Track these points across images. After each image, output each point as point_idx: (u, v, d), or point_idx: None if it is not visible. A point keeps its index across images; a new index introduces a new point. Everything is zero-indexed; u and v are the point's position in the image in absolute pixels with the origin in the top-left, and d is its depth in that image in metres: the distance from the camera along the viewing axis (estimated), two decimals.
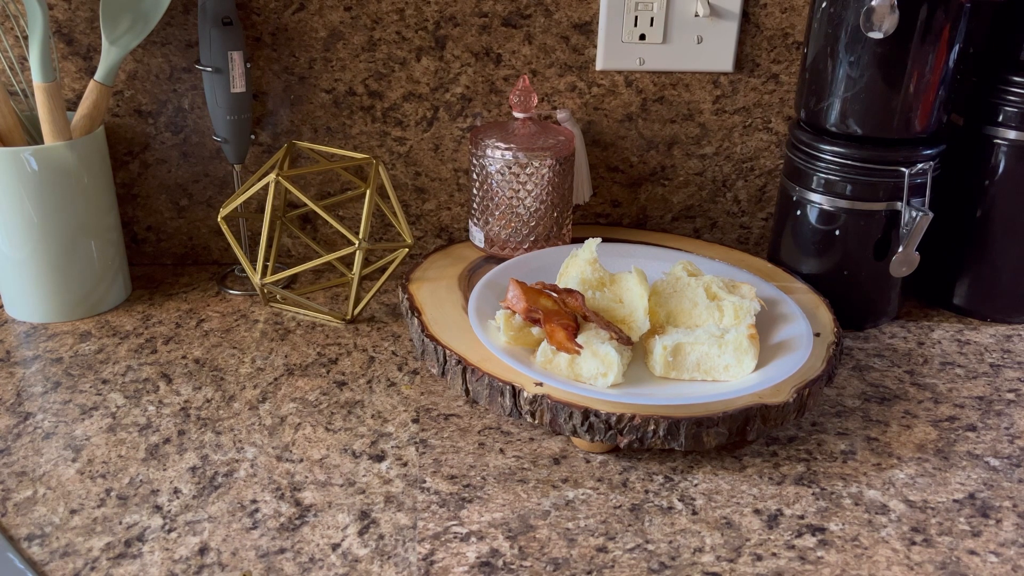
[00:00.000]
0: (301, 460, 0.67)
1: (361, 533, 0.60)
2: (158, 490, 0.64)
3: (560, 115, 0.91)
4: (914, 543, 0.61)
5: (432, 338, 0.73)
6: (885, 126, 0.79)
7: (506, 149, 0.84)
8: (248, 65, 0.86)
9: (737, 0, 0.89)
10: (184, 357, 0.81)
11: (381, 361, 0.80)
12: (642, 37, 0.90)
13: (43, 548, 0.59)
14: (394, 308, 0.90)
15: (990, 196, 0.85)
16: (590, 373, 0.67)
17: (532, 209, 0.86)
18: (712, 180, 0.98)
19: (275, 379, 0.78)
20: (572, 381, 0.67)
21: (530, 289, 0.71)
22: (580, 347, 0.67)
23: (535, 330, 0.70)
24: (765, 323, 0.75)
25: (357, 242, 0.81)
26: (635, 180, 0.98)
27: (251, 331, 0.85)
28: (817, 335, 0.75)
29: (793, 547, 0.60)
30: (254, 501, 0.63)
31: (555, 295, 0.72)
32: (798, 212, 0.85)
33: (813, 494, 0.65)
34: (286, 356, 0.81)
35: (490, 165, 0.85)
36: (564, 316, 0.70)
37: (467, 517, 0.62)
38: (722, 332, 0.69)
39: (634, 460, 0.68)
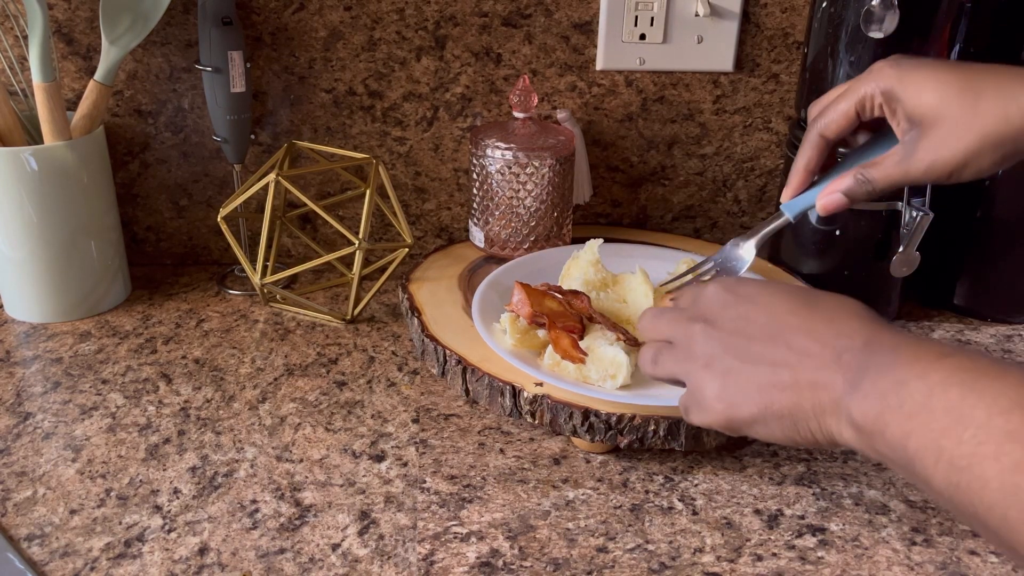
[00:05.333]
0: (301, 460, 0.67)
1: (361, 533, 0.60)
2: (158, 490, 0.64)
3: (560, 115, 0.91)
4: (915, 543, 0.61)
5: (432, 338, 0.73)
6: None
7: (506, 149, 0.84)
8: (248, 65, 0.86)
9: (737, 0, 0.89)
10: (184, 357, 0.81)
11: (381, 361, 0.80)
12: (642, 37, 0.90)
13: (43, 548, 0.59)
14: (394, 308, 0.90)
15: (990, 196, 0.85)
16: (598, 375, 0.67)
17: (532, 209, 0.86)
18: (712, 180, 0.98)
19: (275, 379, 0.77)
20: (579, 383, 0.66)
21: (535, 291, 0.71)
22: (585, 355, 0.67)
23: (541, 332, 0.70)
24: None
25: (357, 242, 0.81)
26: (635, 180, 0.98)
27: (251, 331, 0.85)
28: None
29: (793, 547, 0.60)
30: (254, 501, 0.63)
31: (560, 296, 0.72)
32: None
33: (813, 494, 0.65)
34: (286, 356, 0.81)
35: (490, 165, 0.85)
36: (570, 319, 0.70)
37: (467, 517, 0.62)
38: None
39: (634, 460, 0.68)
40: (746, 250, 0.71)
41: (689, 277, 0.72)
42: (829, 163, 0.66)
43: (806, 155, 0.65)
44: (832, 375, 0.46)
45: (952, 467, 0.39)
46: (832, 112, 0.63)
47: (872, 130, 0.64)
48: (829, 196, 0.63)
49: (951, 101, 0.56)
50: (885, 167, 0.60)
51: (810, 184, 0.66)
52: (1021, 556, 0.37)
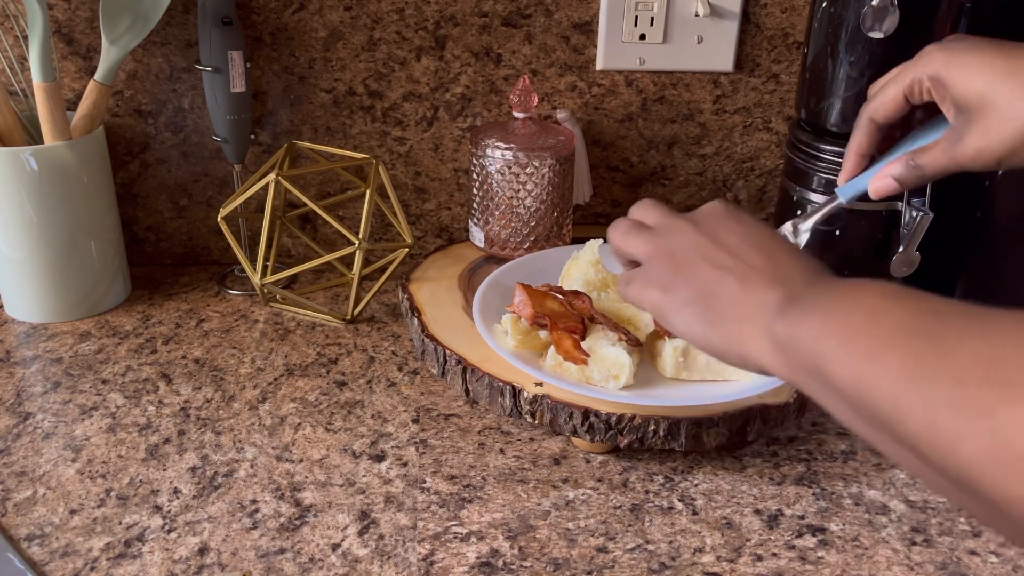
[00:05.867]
0: (301, 460, 0.67)
1: (361, 533, 0.60)
2: (158, 490, 0.64)
3: (560, 115, 0.91)
4: (914, 543, 0.61)
5: (432, 338, 0.73)
6: None
7: (506, 149, 0.84)
8: (248, 65, 0.86)
9: (737, 0, 0.89)
10: (184, 357, 0.81)
11: (381, 361, 0.80)
12: (642, 37, 0.90)
13: (43, 548, 0.59)
14: (394, 308, 0.90)
15: (990, 196, 0.85)
16: (601, 376, 0.67)
17: (532, 209, 0.86)
18: (712, 180, 0.98)
19: (275, 379, 0.77)
20: (581, 383, 0.66)
21: (536, 292, 0.71)
22: (587, 355, 0.67)
23: (542, 333, 0.70)
24: None
25: (357, 242, 0.81)
26: (635, 180, 0.98)
27: (251, 331, 0.85)
28: None
29: (793, 547, 0.60)
30: (254, 501, 0.63)
31: (561, 297, 0.72)
32: (798, 212, 0.85)
33: (813, 494, 0.65)
34: (286, 356, 0.81)
35: (490, 165, 0.85)
36: (571, 319, 0.70)
37: (467, 517, 0.62)
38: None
39: (634, 460, 0.68)
40: (801, 233, 0.71)
41: None
42: (887, 145, 0.66)
43: (857, 139, 0.65)
44: (772, 290, 0.47)
45: (860, 359, 0.39)
46: (881, 96, 0.63)
47: (931, 111, 0.64)
48: (881, 181, 0.63)
49: (998, 87, 0.56)
50: (934, 153, 0.60)
51: (865, 166, 0.66)
52: (907, 448, 0.37)
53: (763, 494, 0.65)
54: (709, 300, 0.49)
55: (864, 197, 0.66)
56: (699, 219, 0.54)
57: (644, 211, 0.57)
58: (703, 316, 0.50)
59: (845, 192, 0.68)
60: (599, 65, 0.91)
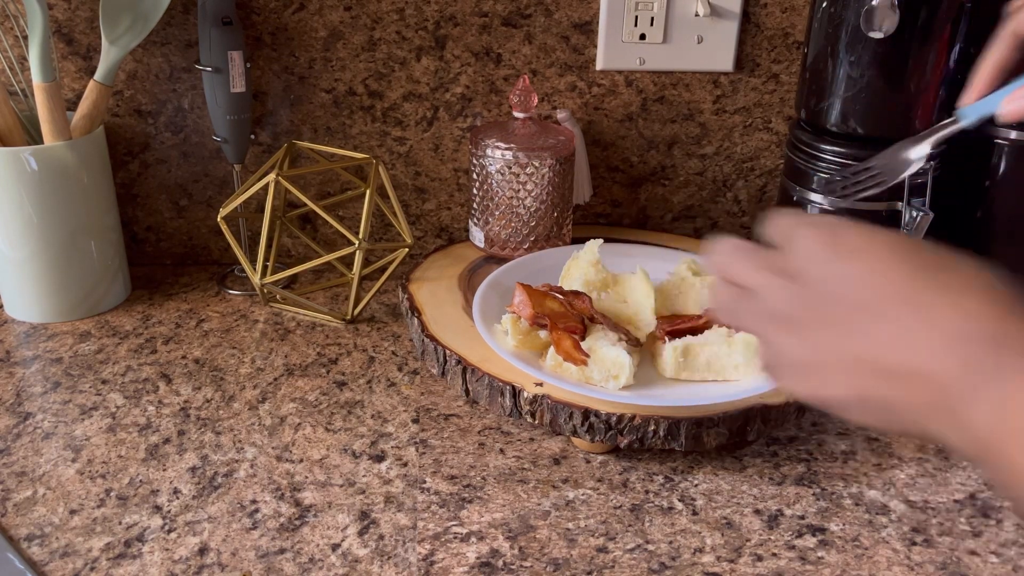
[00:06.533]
0: (301, 460, 0.67)
1: (361, 533, 0.60)
2: (158, 490, 0.64)
3: (560, 115, 0.91)
4: (915, 543, 0.61)
5: (432, 338, 0.73)
6: (886, 126, 0.79)
7: (506, 149, 0.84)
8: (248, 65, 0.86)
9: (737, 0, 0.89)
10: (184, 357, 0.81)
11: (381, 361, 0.80)
12: (642, 37, 0.90)
13: (43, 548, 0.59)
14: (394, 308, 0.90)
15: (990, 196, 0.85)
16: (601, 376, 0.67)
17: (532, 209, 0.86)
18: (712, 180, 0.98)
19: (275, 379, 0.77)
20: (581, 383, 0.66)
21: (536, 292, 0.71)
22: (587, 356, 0.67)
23: (542, 333, 0.70)
24: None
25: (357, 242, 0.81)
26: (635, 180, 0.98)
27: (251, 331, 0.85)
28: None
29: (793, 547, 0.60)
30: (254, 501, 0.63)
31: (561, 297, 0.72)
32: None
33: (813, 494, 0.65)
34: (286, 356, 0.81)
35: (490, 165, 0.85)
36: (571, 319, 0.70)
37: (467, 517, 0.62)
38: (730, 331, 0.69)
39: (634, 460, 0.68)
40: (917, 152, 0.63)
41: (838, 180, 0.65)
42: (1020, 68, 0.58)
43: (996, 54, 0.57)
44: (945, 368, 0.37)
45: None
46: None
47: None
48: (1018, 102, 0.55)
49: None
50: None
51: (997, 86, 0.58)
52: None
53: (763, 494, 0.65)
54: (867, 393, 0.40)
55: (990, 121, 0.58)
56: (795, 269, 0.43)
57: (725, 267, 0.47)
58: (873, 414, 0.41)
59: (969, 113, 0.59)
60: (599, 65, 0.91)
